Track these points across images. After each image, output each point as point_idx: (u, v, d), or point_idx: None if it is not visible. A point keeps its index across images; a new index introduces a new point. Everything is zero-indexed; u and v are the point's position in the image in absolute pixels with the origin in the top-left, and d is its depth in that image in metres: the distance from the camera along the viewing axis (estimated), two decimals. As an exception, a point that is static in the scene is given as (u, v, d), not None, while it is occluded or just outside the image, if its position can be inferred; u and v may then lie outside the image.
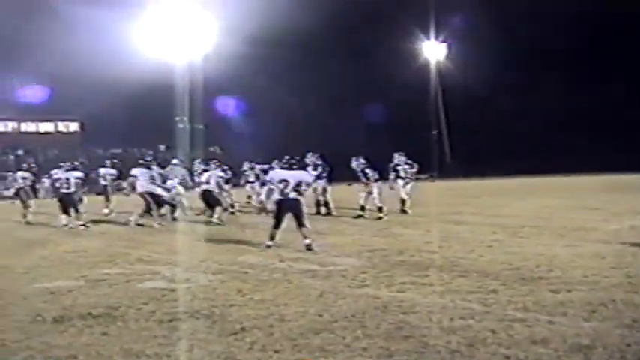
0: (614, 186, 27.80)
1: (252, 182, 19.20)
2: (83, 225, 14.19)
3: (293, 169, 10.23)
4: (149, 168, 15.03)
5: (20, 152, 51.30)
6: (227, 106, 55.95)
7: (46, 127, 58.68)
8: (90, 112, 51.46)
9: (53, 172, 15.58)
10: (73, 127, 59.43)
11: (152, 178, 14.65)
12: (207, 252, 9.71)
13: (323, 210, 16.02)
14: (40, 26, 41.90)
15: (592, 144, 50.14)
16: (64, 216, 14.36)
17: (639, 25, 50.22)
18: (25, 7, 44.35)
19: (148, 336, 5.01)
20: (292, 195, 9.75)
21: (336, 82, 53.07)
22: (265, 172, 17.86)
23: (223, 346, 4.69)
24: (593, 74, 54.09)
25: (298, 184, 9.81)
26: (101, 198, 18.84)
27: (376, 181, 15.21)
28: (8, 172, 33.98)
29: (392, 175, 16.21)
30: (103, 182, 18.78)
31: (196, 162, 19.44)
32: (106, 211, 17.87)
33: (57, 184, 14.67)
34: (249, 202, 19.36)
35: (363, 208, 15.16)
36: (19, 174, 17.72)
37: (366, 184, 15.27)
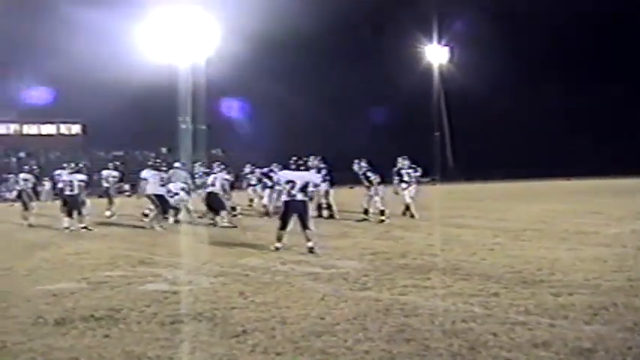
0: (615, 190, 27.79)
1: (254, 185, 19.21)
2: (85, 227, 14.20)
3: (300, 170, 10.16)
4: (159, 170, 15.03)
5: (22, 154, 51.26)
6: (230, 107, 56.02)
7: (48, 129, 58.68)
8: (92, 115, 51.48)
9: (57, 172, 15.58)
10: (75, 129, 59.45)
11: (162, 180, 14.65)
12: (209, 254, 9.71)
13: (325, 213, 16.01)
14: (42, 28, 41.97)
15: (594, 145, 50.21)
16: (66, 218, 14.36)
17: (639, 25, 50.26)
18: (27, 8, 44.48)
19: (149, 338, 5.02)
20: (300, 196, 9.70)
21: (338, 84, 53.12)
22: (265, 174, 17.88)
23: (225, 349, 4.70)
24: (593, 74, 54.12)
25: (306, 185, 9.77)
26: (103, 200, 18.85)
27: (378, 184, 15.20)
28: (10, 174, 33.98)
29: (396, 180, 16.16)
30: (105, 184, 18.79)
31: (197, 165, 19.47)
32: (108, 213, 17.87)
33: (61, 185, 14.68)
34: (250, 205, 19.36)
35: (366, 212, 15.15)
36: (21, 176, 17.73)
37: (368, 187, 15.26)
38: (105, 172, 19.19)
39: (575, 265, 7.86)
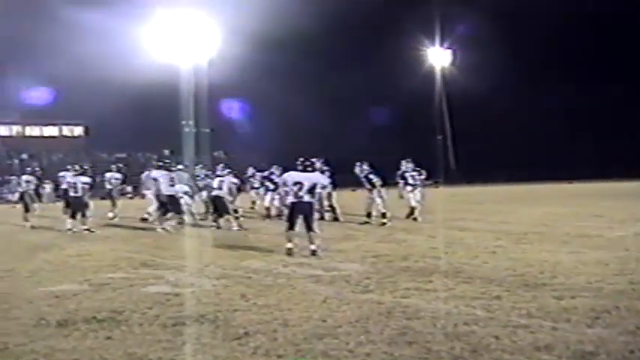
0: (617, 193, 27.76)
1: (256, 188, 19.22)
2: (88, 229, 14.21)
3: (308, 172, 10.08)
4: (169, 170, 15.02)
5: (24, 156, 51.31)
6: (232, 109, 56.08)
7: (51, 130, 58.82)
8: (95, 116, 51.65)
9: (60, 174, 15.58)
10: (78, 130, 59.57)
11: (172, 180, 14.63)
12: (211, 257, 9.70)
13: (327, 215, 16.00)
14: (45, 29, 42.09)
15: (594, 145, 50.23)
16: (69, 220, 14.37)
17: (639, 25, 50.27)
18: (30, 10, 44.58)
19: (151, 340, 5.02)
20: (307, 198, 9.66)
21: (340, 86, 53.19)
22: (266, 177, 17.88)
23: (227, 351, 4.70)
24: (593, 74, 54.13)
25: (313, 187, 9.74)
26: (106, 202, 18.87)
27: (380, 186, 15.19)
28: (12, 175, 34.02)
29: (400, 183, 16.14)
30: (108, 186, 18.81)
31: (198, 167, 19.47)
32: (111, 215, 17.88)
33: (65, 186, 14.69)
34: (253, 208, 19.37)
35: (369, 215, 15.14)
36: (23, 178, 17.76)
37: (370, 190, 15.25)
38: (108, 174, 19.21)
39: (577, 268, 7.85)
